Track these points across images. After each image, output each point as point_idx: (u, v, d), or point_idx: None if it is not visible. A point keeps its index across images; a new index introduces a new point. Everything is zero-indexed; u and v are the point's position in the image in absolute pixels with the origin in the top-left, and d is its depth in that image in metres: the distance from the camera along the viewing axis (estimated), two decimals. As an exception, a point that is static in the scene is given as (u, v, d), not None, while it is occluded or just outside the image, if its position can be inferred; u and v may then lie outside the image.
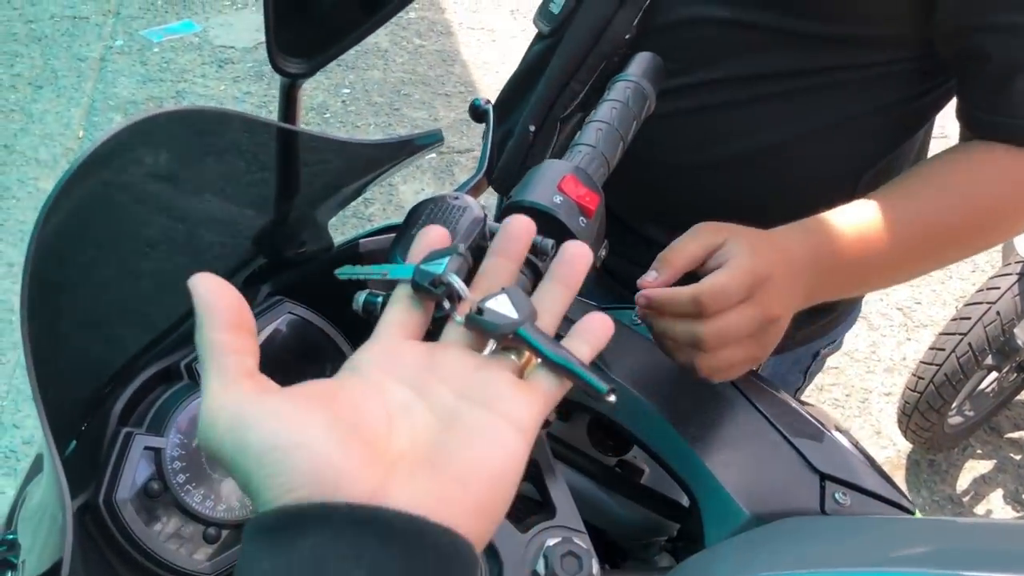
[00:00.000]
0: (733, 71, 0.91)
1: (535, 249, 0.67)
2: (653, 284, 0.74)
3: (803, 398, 2.53)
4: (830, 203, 0.87)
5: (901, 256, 0.84)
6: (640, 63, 0.84)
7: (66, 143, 3.06)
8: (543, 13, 1.00)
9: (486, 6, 4.07)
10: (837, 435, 0.90)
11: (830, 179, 0.96)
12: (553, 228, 0.68)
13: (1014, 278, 2.05)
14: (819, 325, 1.12)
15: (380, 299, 0.65)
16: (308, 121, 3.28)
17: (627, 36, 0.91)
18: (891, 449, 2.43)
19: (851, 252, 0.81)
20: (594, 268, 0.75)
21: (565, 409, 0.90)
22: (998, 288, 2.06)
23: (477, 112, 0.85)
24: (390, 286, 0.49)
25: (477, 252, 0.66)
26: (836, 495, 0.81)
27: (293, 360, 0.75)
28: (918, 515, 0.83)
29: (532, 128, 0.97)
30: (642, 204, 1.03)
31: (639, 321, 0.93)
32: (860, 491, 0.82)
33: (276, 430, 0.37)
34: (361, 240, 0.78)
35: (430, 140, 0.69)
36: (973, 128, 0.86)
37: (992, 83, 0.82)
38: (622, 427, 0.84)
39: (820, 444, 0.85)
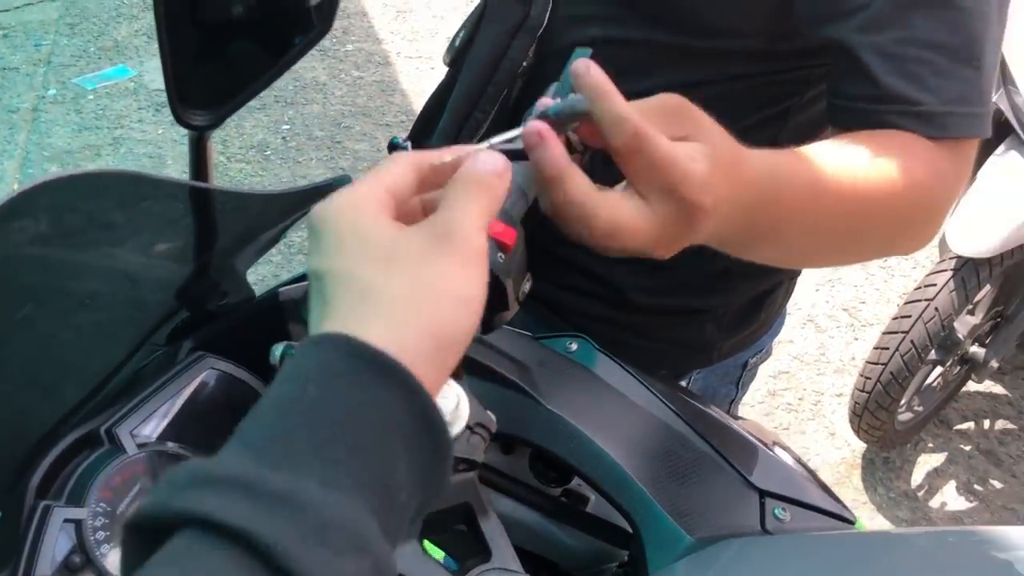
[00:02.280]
0: (627, 88, 0.92)
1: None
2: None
3: (756, 404, 2.54)
4: None
5: (827, 220, 0.73)
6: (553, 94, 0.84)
7: (-1, 197, 3.00)
8: (449, 48, 1.02)
9: (423, 35, 4.09)
10: (775, 450, 0.91)
11: None
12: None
13: (949, 274, 2.09)
14: (745, 335, 1.13)
15: (298, 351, 0.64)
16: (249, 159, 3.26)
17: (524, 64, 0.92)
18: (846, 449, 2.46)
19: (793, 194, 0.69)
20: (519, 302, 0.75)
21: (506, 443, 0.90)
22: (935, 285, 2.10)
23: (396, 149, 0.85)
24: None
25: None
26: (776, 511, 0.81)
27: (219, 415, 0.74)
28: (859, 525, 0.84)
29: None
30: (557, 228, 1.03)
31: (573, 348, 0.93)
32: (799, 505, 0.82)
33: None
34: (281, 288, 0.77)
35: (340, 184, 0.68)
36: (839, 124, 0.81)
37: (862, 74, 0.77)
38: (562, 458, 0.83)
39: (758, 460, 0.85)
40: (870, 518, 2.29)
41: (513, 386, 0.85)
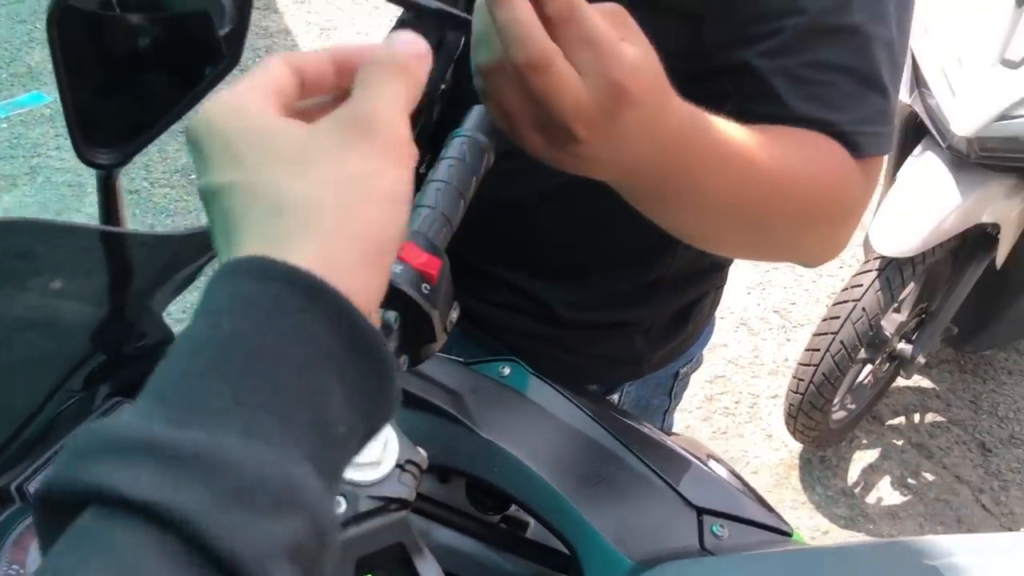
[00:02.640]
0: None
1: (380, 324, 0.65)
2: None
3: (694, 410, 2.56)
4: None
5: (737, 188, 0.71)
6: (475, 117, 0.83)
7: (-91, 232, 2.88)
8: None
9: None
10: (711, 464, 0.91)
11: None
12: (395, 299, 0.67)
13: (874, 274, 2.13)
14: (674, 346, 1.13)
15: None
16: (173, 184, 3.19)
17: (442, 87, 0.91)
18: (783, 450, 2.49)
19: (707, 146, 0.67)
20: (446, 332, 0.73)
21: (442, 472, 0.88)
22: (861, 285, 2.14)
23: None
24: None
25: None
26: (714, 528, 0.81)
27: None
28: (796, 536, 0.84)
29: None
30: (486, 246, 1.02)
31: (506, 373, 0.92)
32: (737, 520, 0.82)
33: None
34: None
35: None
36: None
37: (771, 97, 0.77)
38: (497, 486, 0.82)
39: (694, 477, 0.85)
40: (810, 517, 2.32)
41: (446, 415, 0.84)
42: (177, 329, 0.80)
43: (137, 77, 0.71)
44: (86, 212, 3.00)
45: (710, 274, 1.11)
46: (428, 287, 0.69)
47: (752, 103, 0.79)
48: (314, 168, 0.37)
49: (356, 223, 0.37)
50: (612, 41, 0.52)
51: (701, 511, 0.82)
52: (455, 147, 0.82)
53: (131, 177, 3.16)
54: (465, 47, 0.94)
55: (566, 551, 0.88)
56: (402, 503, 0.64)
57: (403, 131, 0.41)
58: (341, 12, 4.34)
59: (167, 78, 0.71)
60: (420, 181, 1.04)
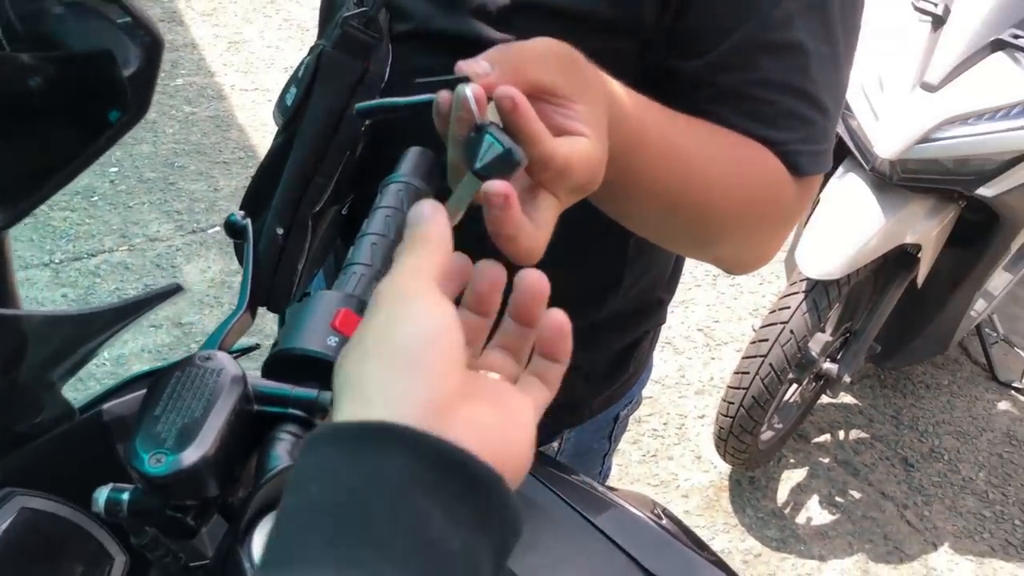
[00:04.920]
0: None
1: (313, 407, 0.58)
2: (483, 75, 0.56)
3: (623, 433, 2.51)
4: (605, 261, 0.92)
5: (685, 173, 0.74)
6: (410, 161, 0.76)
7: None
8: (280, 105, 0.93)
9: (258, 66, 3.93)
10: (664, 522, 0.86)
11: (602, 241, 0.93)
12: (330, 376, 0.60)
13: (801, 296, 2.13)
14: (615, 389, 1.10)
15: (126, 496, 0.54)
16: (74, 207, 3.02)
17: (367, 123, 0.86)
18: (713, 472, 2.48)
19: (658, 132, 0.71)
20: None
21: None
22: (788, 308, 2.14)
23: (235, 229, 0.75)
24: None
25: (242, 417, 0.57)
26: (673, 598, 0.76)
27: (34, 565, 0.62)
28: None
29: (280, 231, 0.89)
30: None
31: None
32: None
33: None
34: (105, 408, 0.66)
35: (167, 292, 0.58)
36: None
37: (712, 114, 0.77)
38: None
39: (645, 539, 0.80)
40: (741, 540, 2.31)
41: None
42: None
43: (30, 125, 0.63)
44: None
45: (650, 313, 1.08)
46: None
47: (696, 112, 0.78)
48: (369, 349, 0.42)
49: (405, 363, 0.41)
50: (579, 162, 0.57)
51: (655, 577, 0.77)
52: (391, 194, 0.75)
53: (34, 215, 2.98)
54: (389, 77, 0.87)
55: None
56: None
57: (423, 289, 0.43)
58: (249, 24, 4.22)
59: (65, 127, 0.63)
60: (342, 225, 0.97)
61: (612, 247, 0.95)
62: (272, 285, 0.89)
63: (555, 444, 1.09)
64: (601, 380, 1.08)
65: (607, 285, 0.99)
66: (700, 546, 0.87)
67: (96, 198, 3.09)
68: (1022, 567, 2.35)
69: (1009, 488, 2.55)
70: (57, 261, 2.82)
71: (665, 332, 2.87)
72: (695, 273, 3.12)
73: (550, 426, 1.08)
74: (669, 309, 1.14)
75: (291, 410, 0.57)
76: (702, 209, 0.76)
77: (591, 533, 0.78)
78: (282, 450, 0.55)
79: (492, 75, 0.55)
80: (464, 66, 0.56)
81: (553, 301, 1.03)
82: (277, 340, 0.61)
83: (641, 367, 1.15)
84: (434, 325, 0.42)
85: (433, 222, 0.46)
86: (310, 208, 0.88)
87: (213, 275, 2.85)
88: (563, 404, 1.06)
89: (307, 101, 0.89)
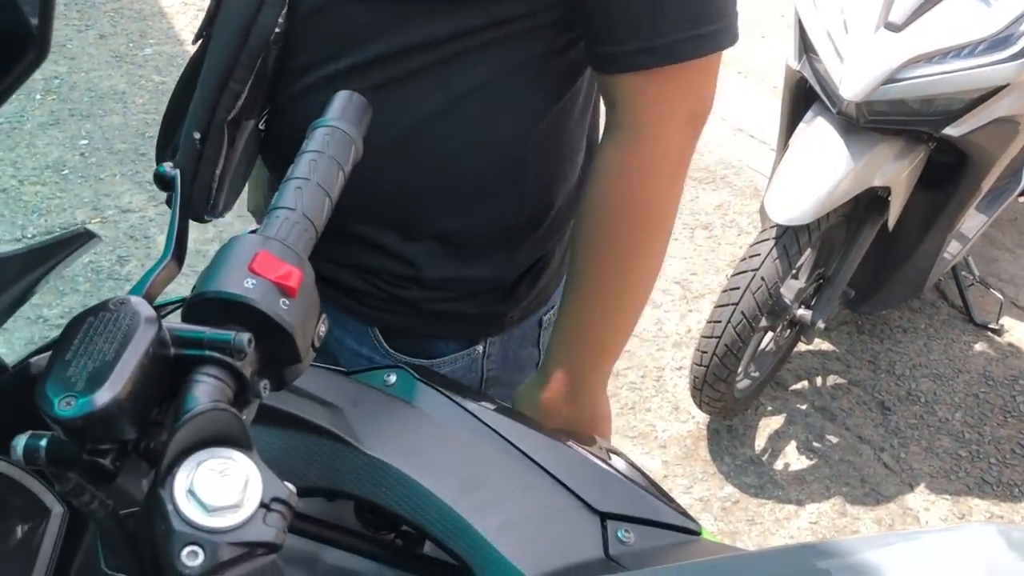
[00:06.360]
0: (384, 49, 0.91)
1: (230, 348, 0.57)
2: None
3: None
4: (507, 165, 0.97)
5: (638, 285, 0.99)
6: (338, 105, 0.76)
7: None
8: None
9: (226, 33, 3.88)
10: (614, 461, 0.87)
11: (501, 140, 0.97)
12: (250, 318, 0.59)
13: (771, 243, 2.13)
14: (534, 297, 1.12)
15: (43, 442, 0.54)
16: (44, 181, 2.99)
17: (276, 30, 0.89)
18: (691, 422, 2.49)
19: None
20: (314, 349, 0.66)
21: (326, 491, 0.81)
22: (759, 255, 2.14)
23: (164, 180, 0.74)
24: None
25: (156, 360, 0.56)
26: (619, 533, 0.77)
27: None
28: (704, 534, 0.81)
29: (197, 136, 0.91)
30: (352, 202, 0.99)
31: (392, 381, 0.85)
32: (643, 523, 0.78)
33: None
34: (33, 361, 0.65)
35: (78, 236, 0.58)
36: (594, 67, 0.93)
37: (591, 15, 0.87)
38: (386, 507, 0.76)
39: (595, 480, 0.80)
40: (720, 488, 2.33)
41: (325, 433, 0.77)
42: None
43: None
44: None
45: (556, 228, 1.11)
46: (287, 302, 0.61)
47: (591, 38, 0.90)
48: None
49: None
50: None
51: (605, 516, 0.77)
52: (317, 138, 0.74)
53: (-2, 175, 2.96)
54: None
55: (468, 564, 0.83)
56: (269, 547, 0.57)
57: None
58: (219, -8, 4.16)
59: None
60: (262, 141, 1.00)
61: (504, 149, 0.99)
62: (191, 191, 0.91)
63: (479, 348, 1.12)
64: (517, 292, 1.11)
65: (515, 179, 1.01)
66: (653, 485, 0.88)
67: (67, 171, 3.06)
68: (997, 504, 2.37)
69: (985, 428, 2.57)
70: (29, 236, 2.80)
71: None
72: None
73: (469, 336, 1.12)
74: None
75: (208, 352, 0.56)
76: (658, 258, 1.01)
77: (534, 471, 0.78)
78: (200, 392, 0.55)
79: None
80: None
81: (461, 213, 1.11)
82: (195, 284, 0.61)
83: (557, 274, 1.17)
84: None
85: None
86: (226, 114, 0.91)
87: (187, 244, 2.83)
88: (482, 317, 1.09)
89: (219, 10, 0.92)
